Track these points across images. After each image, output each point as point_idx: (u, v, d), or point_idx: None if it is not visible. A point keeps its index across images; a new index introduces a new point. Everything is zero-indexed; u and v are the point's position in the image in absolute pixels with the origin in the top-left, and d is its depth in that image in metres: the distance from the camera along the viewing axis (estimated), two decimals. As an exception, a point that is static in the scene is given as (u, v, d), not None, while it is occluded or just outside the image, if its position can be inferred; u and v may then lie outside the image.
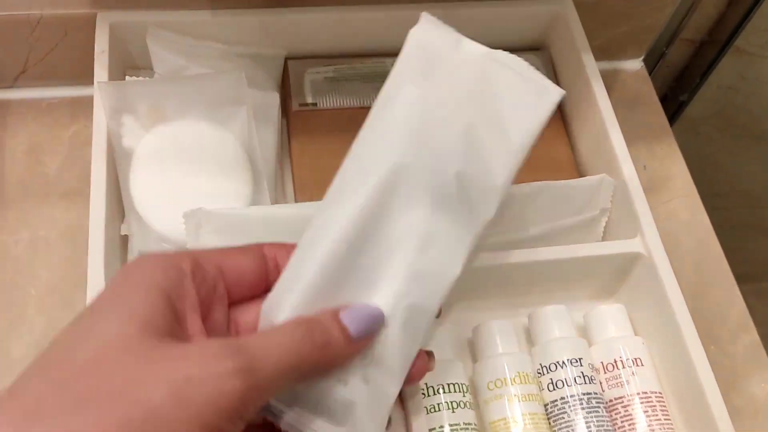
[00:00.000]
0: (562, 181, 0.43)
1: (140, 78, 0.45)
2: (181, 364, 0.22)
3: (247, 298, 0.29)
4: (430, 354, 0.31)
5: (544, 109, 0.32)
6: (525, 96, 0.31)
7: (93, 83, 0.42)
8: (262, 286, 0.29)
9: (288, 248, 0.29)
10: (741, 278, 0.50)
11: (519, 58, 0.32)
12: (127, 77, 0.45)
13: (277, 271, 0.29)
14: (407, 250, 0.29)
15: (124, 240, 0.42)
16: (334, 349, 0.26)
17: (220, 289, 0.27)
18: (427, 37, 0.32)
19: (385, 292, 0.29)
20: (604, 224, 0.45)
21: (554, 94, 0.32)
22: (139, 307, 0.23)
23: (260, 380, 0.23)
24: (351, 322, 0.27)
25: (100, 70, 0.42)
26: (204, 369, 0.22)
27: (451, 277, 0.30)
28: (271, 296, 0.28)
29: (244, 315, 0.29)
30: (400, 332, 0.29)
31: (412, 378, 0.30)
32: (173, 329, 0.24)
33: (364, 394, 0.28)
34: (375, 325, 0.28)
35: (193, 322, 0.25)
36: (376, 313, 0.28)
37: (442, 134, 0.30)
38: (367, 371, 0.28)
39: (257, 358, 0.23)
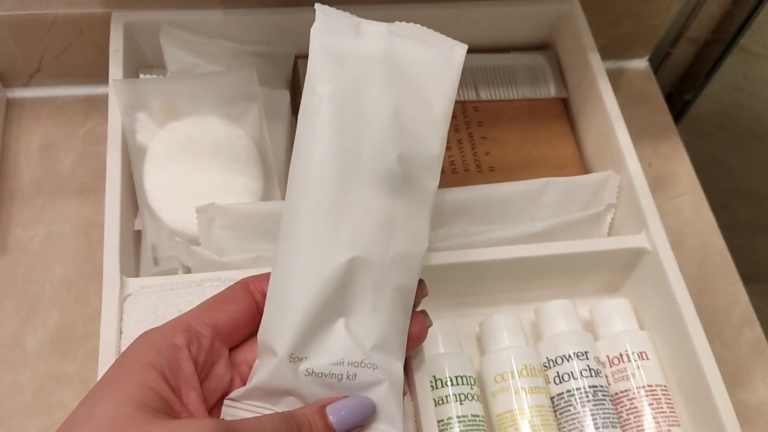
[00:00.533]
0: (569, 177, 0.44)
1: (154, 76, 0.45)
2: None
3: (247, 337, 0.30)
4: (425, 312, 0.33)
5: (452, 69, 0.32)
6: (434, 62, 0.32)
7: (106, 81, 0.43)
8: (257, 322, 0.30)
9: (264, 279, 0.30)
10: (746, 278, 0.50)
11: (418, 26, 0.33)
12: (140, 75, 0.46)
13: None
14: (378, 242, 0.30)
15: (138, 235, 0.42)
16: None
17: (217, 346, 0.29)
18: (328, 34, 0.31)
19: (372, 281, 0.29)
20: (609, 220, 0.45)
21: (458, 52, 0.32)
22: (134, 388, 0.25)
23: None
24: (337, 418, 0.28)
25: (115, 69, 0.43)
26: None
27: (422, 252, 0.31)
28: (264, 323, 0.29)
29: (248, 354, 0.30)
30: (401, 314, 0.30)
31: (415, 339, 0.31)
32: (169, 404, 0.25)
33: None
34: (363, 418, 0.29)
35: (188, 392, 0.26)
36: (365, 405, 0.29)
37: (373, 126, 0.30)
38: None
39: None
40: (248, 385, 0.29)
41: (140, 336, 0.27)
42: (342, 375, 0.28)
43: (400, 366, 0.30)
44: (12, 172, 0.47)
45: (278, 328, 0.29)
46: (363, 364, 0.29)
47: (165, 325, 0.28)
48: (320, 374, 0.28)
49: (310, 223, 0.29)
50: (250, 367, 0.30)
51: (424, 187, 0.31)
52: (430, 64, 0.32)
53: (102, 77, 0.44)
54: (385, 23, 0.32)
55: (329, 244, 0.29)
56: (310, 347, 0.29)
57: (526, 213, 0.43)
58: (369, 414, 0.29)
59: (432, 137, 0.31)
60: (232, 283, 0.31)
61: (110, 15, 0.45)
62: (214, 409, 0.28)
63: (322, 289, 0.29)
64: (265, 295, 0.30)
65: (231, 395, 0.29)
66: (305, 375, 0.28)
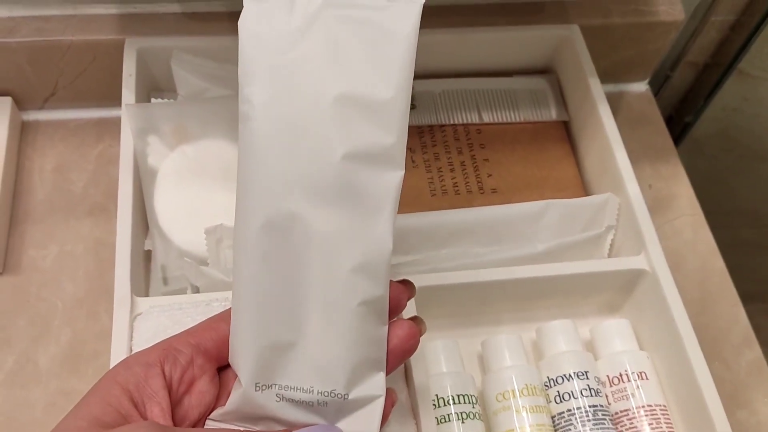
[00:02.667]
0: (569, 200, 0.45)
1: (165, 100, 0.47)
2: None
3: None
4: (417, 319, 0.30)
5: (405, 34, 0.27)
6: (382, 29, 0.26)
7: (119, 105, 0.44)
8: None
9: None
10: (748, 297, 0.51)
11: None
12: (152, 99, 0.47)
13: None
14: (330, 256, 0.27)
15: (148, 254, 0.43)
16: None
17: (200, 362, 0.28)
18: (257, 21, 0.27)
19: (332, 306, 0.27)
20: (609, 241, 0.46)
21: (413, 8, 0.27)
22: (94, 404, 0.26)
23: None
24: None
25: (128, 93, 0.44)
26: None
27: (385, 256, 0.27)
28: (230, 347, 0.28)
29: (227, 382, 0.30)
30: (373, 327, 0.27)
31: (402, 350, 0.28)
32: (126, 419, 0.26)
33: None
34: None
35: (152, 407, 0.27)
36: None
37: (312, 126, 0.26)
38: None
39: None
40: (225, 408, 0.28)
41: (125, 358, 0.28)
42: (313, 402, 0.27)
43: (377, 381, 0.27)
44: (26, 192, 0.48)
45: (240, 355, 0.28)
46: (333, 394, 0.27)
47: (150, 347, 0.28)
48: (291, 400, 0.27)
49: (251, 248, 0.27)
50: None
51: (383, 184, 0.27)
52: (377, 32, 0.26)
53: (114, 101, 0.45)
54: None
55: (278, 261, 0.27)
56: (274, 374, 0.27)
57: (527, 234, 0.44)
58: None
59: (385, 123, 0.26)
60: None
61: (124, 41, 0.46)
62: (197, 424, 0.29)
63: (270, 312, 0.27)
64: None
65: (212, 415, 0.29)
66: (276, 401, 0.27)
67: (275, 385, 0.27)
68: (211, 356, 0.29)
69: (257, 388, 0.27)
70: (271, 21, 0.27)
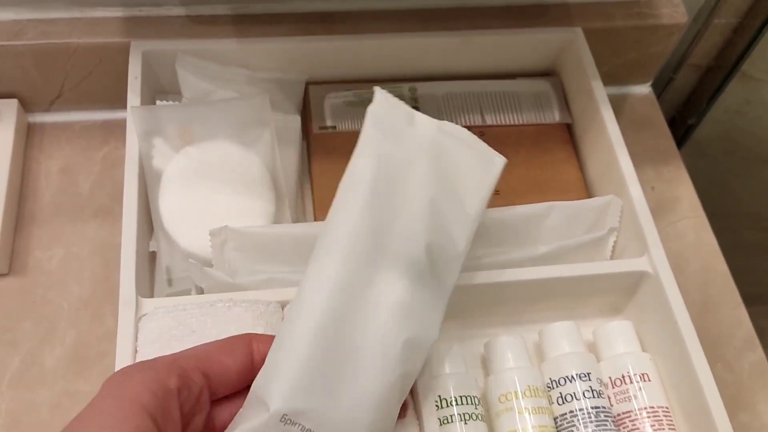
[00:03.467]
0: (572, 202, 0.45)
1: (170, 102, 0.47)
2: None
3: (231, 394, 0.30)
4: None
5: (490, 176, 0.36)
6: (474, 166, 0.35)
7: (124, 107, 0.44)
8: (245, 383, 0.30)
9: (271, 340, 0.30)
10: (750, 300, 0.51)
11: (465, 130, 0.36)
12: (157, 101, 0.47)
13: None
14: (394, 322, 0.31)
15: (153, 256, 0.44)
16: None
17: (203, 398, 0.28)
18: (383, 114, 0.35)
19: (378, 365, 0.30)
20: (612, 243, 0.46)
21: (498, 163, 0.36)
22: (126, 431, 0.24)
23: None
24: None
25: (133, 95, 0.45)
26: None
27: (431, 342, 0.32)
28: (262, 373, 0.29)
29: (222, 413, 0.29)
30: (397, 399, 0.31)
31: None
32: None
33: None
34: None
35: None
36: None
37: (408, 210, 0.32)
38: None
39: None
40: (242, 427, 0.29)
41: (134, 370, 0.27)
42: None
43: None
44: (32, 194, 0.48)
45: (277, 382, 0.28)
46: None
47: (160, 363, 0.27)
48: None
49: (328, 291, 0.30)
50: (219, 427, 0.29)
51: (444, 281, 0.33)
52: (470, 166, 0.35)
53: (120, 103, 0.46)
54: (436, 120, 0.36)
55: (343, 313, 0.30)
56: (303, 415, 0.28)
57: (530, 236, 0.44)
58: None
59: (461, 234, 0.34)
60: (234, 335, 0.30)
61: (129, 44, 0.46)
62: None
63: (325, 356, 0.29)
64: (264, 358, 0.29)
65: None
66: None
67: (299, 425, 0.28)
68: (211, 391, 0.28)
69: (283, 420, 0.28)
70: (394, 119, 0.34)
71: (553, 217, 0.45)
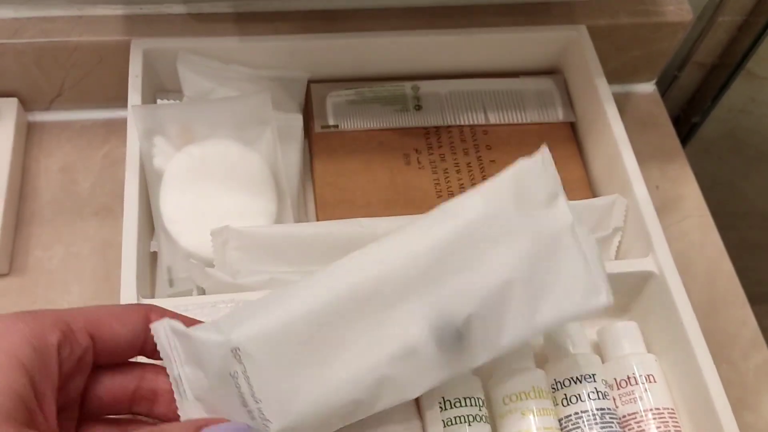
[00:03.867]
0: (576, 201, 0.45)
1: (171, 101, 0.47)
2: None
3: (113, 365, 0.28)
4: None
5: (584, 306, 0.32)
6: (576, 285, 0.32)
7: (125, 106, 0.44)
8: (132, 355, 0.28)
9: (176, 317, 0.29)
10: (756, 299, 0.50)
11: (595, 245, 0.32)
12: (158, 100, 0.47)
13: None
14: (385, 355, 0.30)
15: (154, 255, 0.43)
16: None
17: (86, 360, 0.26)
18: (530, 176, 0.33)
19: (342, 380, 0.30)
20: (617, 243, 0.46)
21: (602, 300, 0.32)
22: (3, 393, 0.22)
23: None
24: None
25: (134, 94, 0.44)
26: None
27: (404, 399, 0.31)
28: (229, 314, 0.29)
29: (102, 383, 0.28)
30: (339, 418, 0.30)
31: None
32: (32, 416, 0.23)
33: None
34: None
35: (50, 406, 0.24)
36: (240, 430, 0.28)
37: (480, 271, 0.31)
38: None
39: None
40: (187, 329, 0.28)
41: (15, 320, 0.24)
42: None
43: None
44: (32, 193, 0.48)
45: (245, 323, 0.28)
46: None
47: (44, 316, 0.25)
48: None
49: (348, 285, 0.30)
50: (94, 400, 0.28)
51: (461, 359, 0.31)
52: (572, 282, 0.31)
53: (120, 102, 0.45)
54: (573, 216, 0.33)
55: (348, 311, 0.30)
56: (252, 361, 0.28)
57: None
58: None
59: (512, 331, 0.31)
60: (131, 304, 0.29)
61: (130, 42, 0.46)
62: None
63: (303, 336, 0.29)
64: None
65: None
66: (231, 378, 0.28)
67: (243, 366, 0.28)
68: (97, 355, 0.26)
69: (233, 352, 0.28)
70: (537, 186, 0.33)
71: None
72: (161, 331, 0.29)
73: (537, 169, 0.33)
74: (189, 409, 0.29)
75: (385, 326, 0.30)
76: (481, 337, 0.31)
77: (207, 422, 0.27)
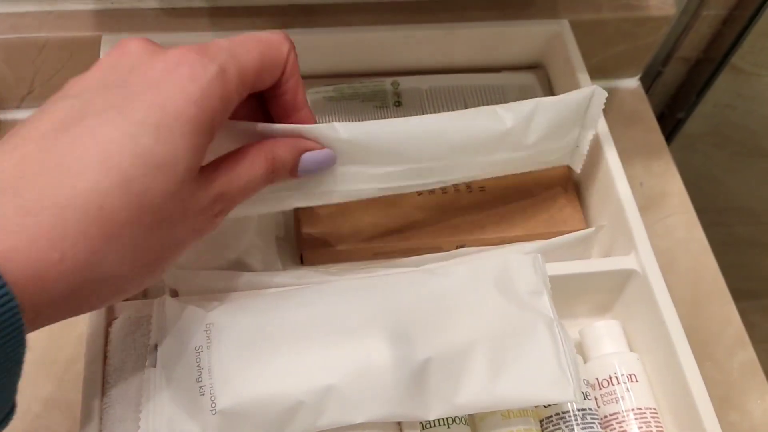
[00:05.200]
0: (555, 97, 0.42)
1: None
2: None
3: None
4: None
5: (548, 397, 0.34)
6: (543, 374, 0.34)
7: (98, 103, 0.43)
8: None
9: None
10: (743, 295, 0.50)
11: (571, 341, 0.35)
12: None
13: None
14: (342, 364, 0.32)
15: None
16: (279, 179, 0.32)
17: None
18: (517, 267, 0.36)
19: (293, 373, 0.32)
20: (598, 241, 0.45)
21: (569, 394, 0.34)
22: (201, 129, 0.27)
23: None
24: (305, 164, 0.32)
25: (104, 91, 0.43)
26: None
27: (347, 421, 0.32)
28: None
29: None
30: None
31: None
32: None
33: None
34: (323, 167, 0.34)
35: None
36: (329, 158, 0.34)
37: (449, 326, 0.34)
38: None
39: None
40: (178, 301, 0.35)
41: (212, 78, 0.27)
42: None
43: None
44: (3, 193, 0.47)
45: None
46: None
47: (227, 75, 0.28)
48: None
49: (329, 303, 0.35)
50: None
51: (411, 401, 0.33)
52: (537, 370, 0.34)
53: (93, 99, 0.44)
54: (554, 313, 0.36)
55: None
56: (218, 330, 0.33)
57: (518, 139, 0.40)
58: (330, 164, 0.34)
59: (464, 395, 0.34)
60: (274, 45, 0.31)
61: (100, 38, 0.45)
62: None
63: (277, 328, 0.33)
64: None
65: None
66: (195, 351, 0.33)
67: (208, 334, 0.33)
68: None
69: (206, 329, 0.34)
70: (520, 272, 0.37)
71: (538, 121, 0.40)
72: (160, 305, 0.34)
73: (527, 267, 0.37)
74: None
75: (348, 344, 0.32)
76: (435, 386, 0.33)
77: (309, 146, 0.33)
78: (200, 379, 0.32)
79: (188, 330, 0.33)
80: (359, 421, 0.32)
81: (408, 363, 0.33)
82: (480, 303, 0.35)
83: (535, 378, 0.34)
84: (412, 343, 0.33)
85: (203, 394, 0.31)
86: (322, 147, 0.33)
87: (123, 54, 0.28)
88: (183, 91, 0.26)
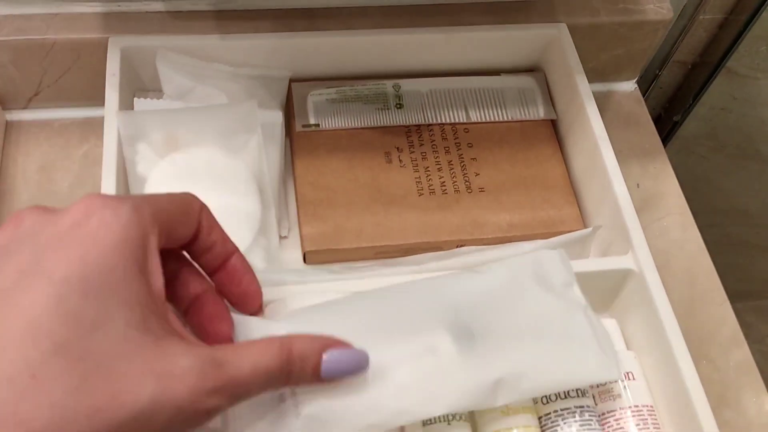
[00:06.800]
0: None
1: (150, 100, 0.46)
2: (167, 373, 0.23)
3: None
4: None
5: (593, 379, 0.37)
6: (587, 358, 0.36)
7: (103, 105, 0.44)
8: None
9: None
10: (738, 296, 0.51)
11: (605, 327, 0.38)
12: (135, 99, 0.46)
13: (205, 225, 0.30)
14: (409, 348, 0.33)
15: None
16: (300, 381, 0.28)
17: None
18: (549, 262, 0.38)
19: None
20: (595, 241, 0.46)
21: (612, 373, 0.36)
22: (132, 303, 0.23)
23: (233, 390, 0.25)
24: (330, 365, 0.28)
25: (111, 92, 0.44)
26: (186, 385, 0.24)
27: (429, 412, 0.33)
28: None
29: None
30: None
31: None
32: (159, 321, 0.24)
33: None
34: (353, 371, 0.29)
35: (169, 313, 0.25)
36: (360, 360, 0.30)
37: (501, 310, 0.36)
38: None
39: (233, 377, 0.25)
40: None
41: (125, 216, 0.24)
42: None
43: None
44: (10, 192, 0.48)
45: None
46: None
47: (141, 211, 0.25)
48: None
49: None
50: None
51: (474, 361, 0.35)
52: (582, 357, 0.36)
53: (99, 100, 0.45)
54: (585, 300, 0.38)
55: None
56: None
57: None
58: (362, 368, 0.30)
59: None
60: (183, 195, 0.29)
61: (107, 40, 0.46)
62: None
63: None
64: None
65: None
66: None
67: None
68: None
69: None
70: (553, 270, 0.39)
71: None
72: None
73: (556, 260, 0.39)
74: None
75: (417, 341, 0.34)
76: (499, 375, 0.34)
77: (334, 343, 0.29)
78: (283, 398, 0.31)
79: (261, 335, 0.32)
80: (438, 414, 0.34)
81: (473, 355, 0.34)
82: (525, 296, 0.37)
83: (582, 361, 0.36)
84: (474, 336, 0.35)
85: (283, 400, 0.31)
86: (349, 345, 0.29)
87: (21, 222, 0.25)
88: (99, 241, 0.24)
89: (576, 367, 0.36)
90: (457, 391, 0.34)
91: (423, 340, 0.34)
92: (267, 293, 0.35)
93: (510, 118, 0.51)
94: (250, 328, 0.31)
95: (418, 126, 0.50)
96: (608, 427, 0.40)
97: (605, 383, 0.39)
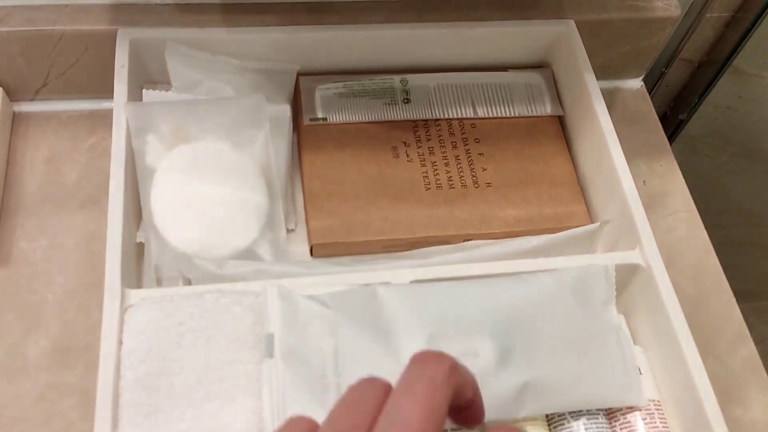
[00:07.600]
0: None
1: (158, 91, 0.46)
2: None
3: None
4: None
5: (618, 402, 0.38)
6: (613, 380, 0.38)
7: (111, 97, 0.43)
8: None
9: None
10: (740, 296, 0.50)
11: (633, 350, 0.40)
12: (144, 90, 0.46)
13: None
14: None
15: (140, 247, 0.43)
16: None
17: None
18: (594, 277, 0.40)
19: None
20: (604, 236, 0.46)
21: (639, 400, 0.38)
22: None
23: None
24: None
25: (120, 84, 0.44)
26: None
27: None
28: None
29: None
30: None
31: None
32: None
33: None
34: None
35: None
36: None
37: (538, 322, 0.37)
38: None
39: None
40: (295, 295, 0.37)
41: None
42: None
43: None
44: (17, 184, 0.48)
45: None
46: None
47: None
48: None
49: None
50: None
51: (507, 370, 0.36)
52: (609, 377, 0.38)
53: (107, 92, 0.45)
54: (619, 322, 0.40)
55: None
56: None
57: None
58: None
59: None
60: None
61: (116, 32, 0.46)
62: None
63: None
64: None
65: None
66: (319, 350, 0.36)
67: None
68: None
69: None
70: (598, 287, 0.41)
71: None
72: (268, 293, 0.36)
73: (600, 276, 0.40)
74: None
75: (459, 343, 0.36)
76: (528, 386, 0.36)
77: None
78: (325, 376, 0.34)
79: (310, 324, 0.35)
80: None
81: (507, 365, 0.35)
82: (565, 312, 0.38)
83: (609, 385, 0.38)
84: (512, 347, 0.36)
85: (327, 392, 0.33)
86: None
87: None
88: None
89: (601, 389, 0.37)
90: (486, 399, 0.33)
91: (468, 341, 0.35)
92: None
93: (517, 113, 0.51)
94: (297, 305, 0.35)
95: (426, 121, 0.50)
96: (615, 421, 0.40)
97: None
